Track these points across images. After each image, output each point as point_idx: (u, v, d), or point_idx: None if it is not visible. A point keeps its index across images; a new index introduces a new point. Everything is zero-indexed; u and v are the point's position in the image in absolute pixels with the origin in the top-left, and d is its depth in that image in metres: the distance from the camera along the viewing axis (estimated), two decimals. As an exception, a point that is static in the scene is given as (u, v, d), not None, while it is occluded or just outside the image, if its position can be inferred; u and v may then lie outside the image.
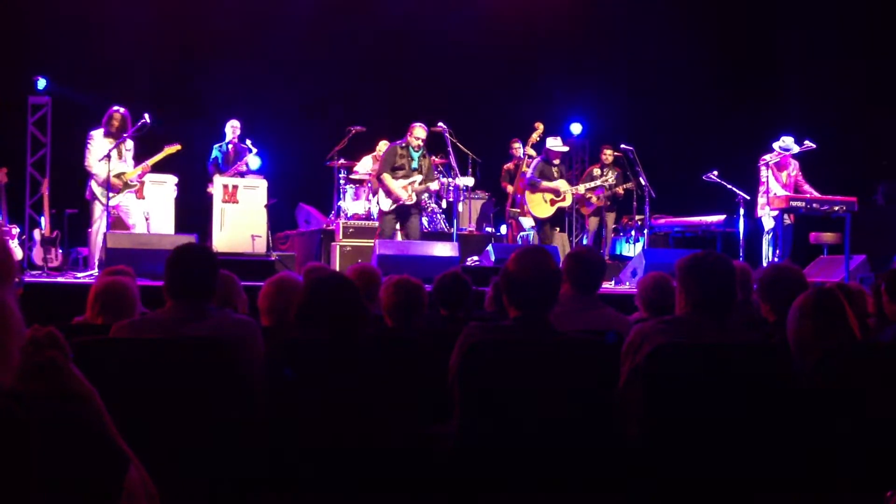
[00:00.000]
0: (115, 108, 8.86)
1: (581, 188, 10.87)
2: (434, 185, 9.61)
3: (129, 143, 8.90)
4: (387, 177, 9.49)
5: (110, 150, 8.50)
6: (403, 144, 9.57)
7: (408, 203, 9.42)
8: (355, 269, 4.90)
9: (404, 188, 9.40)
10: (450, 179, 9.56)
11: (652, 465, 2.99)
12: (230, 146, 10.42)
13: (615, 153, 11.44)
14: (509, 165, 11.58)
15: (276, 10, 12.71)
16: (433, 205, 11.32)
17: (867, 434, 2.98)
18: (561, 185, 10.37)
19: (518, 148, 11.55)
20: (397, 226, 9.52)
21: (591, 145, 13.90)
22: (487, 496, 3.00)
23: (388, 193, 9.45)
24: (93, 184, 8.71)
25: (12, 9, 11.49)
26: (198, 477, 2.82)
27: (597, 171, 11.69)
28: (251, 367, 3.09)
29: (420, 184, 9.45)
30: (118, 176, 8.68)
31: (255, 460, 2.91)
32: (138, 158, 8.98)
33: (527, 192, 10.44)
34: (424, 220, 10.74)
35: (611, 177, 11.39)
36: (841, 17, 12.40)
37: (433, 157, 9.95)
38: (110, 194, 8.59)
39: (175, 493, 1.99)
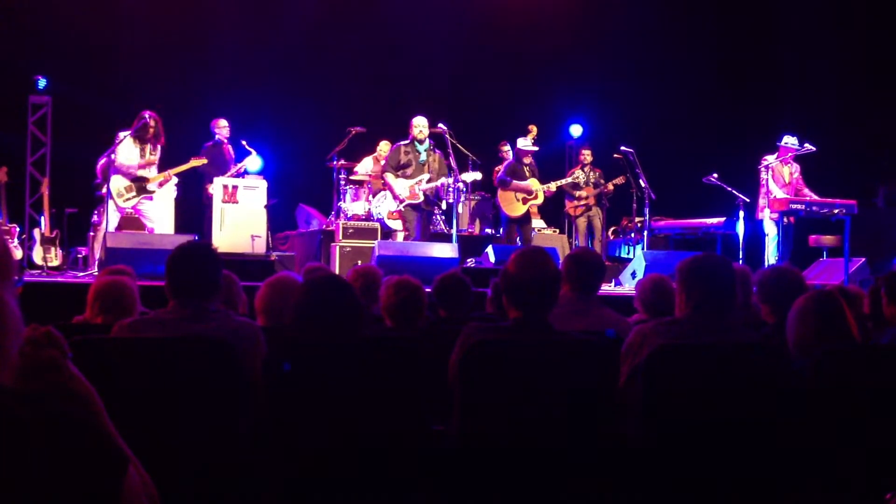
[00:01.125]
0: (148, 112, 8.83)
1: (553, 186, 10.78)
2: (445, 181, 9.60)
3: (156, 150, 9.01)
4: (388, 175, 9.62)
5: (117, 144, 8.57)
6: (407, 142, 9.63)
7: (415, 202, 9.48)
8: (358, 269, 4.91)
9: (411, 188, 9.46)
10: (450, 181, 9.55)
11: (652, 465, 2.99)
12: (222, 146, 10.38)
13: (615, 155, 11.45)
14: (499, 168, 11.60)
15: (276, 10, 12.72)
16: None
17: (866, 436, 2.98)
18: (532, 183, 10.43)
19: (507, 151, 11.56)
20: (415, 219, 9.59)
21: (592, 147, 13.89)
22: (487, 496, 3.00)
23: (392, 194, 9.56)
24: (113, 182, 8.70)
25: (13, 8, 11.49)
26: (198, 478, 2.82)
27: (578, 173, 11.76)
28: (252, 367, 3.09)
29: (428, 181, 9.50)
30: (139, 180, 8.75)
31: (255, 460, 2.91)
32: (161, 166, 9.03)
33: (498, 191, 10.51)
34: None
35: (582, 176, 11.47)
36: (841, 19, 12.41)
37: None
38: (131, 194, 8.70)
39: (175, 495, 1.99)
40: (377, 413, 2.97)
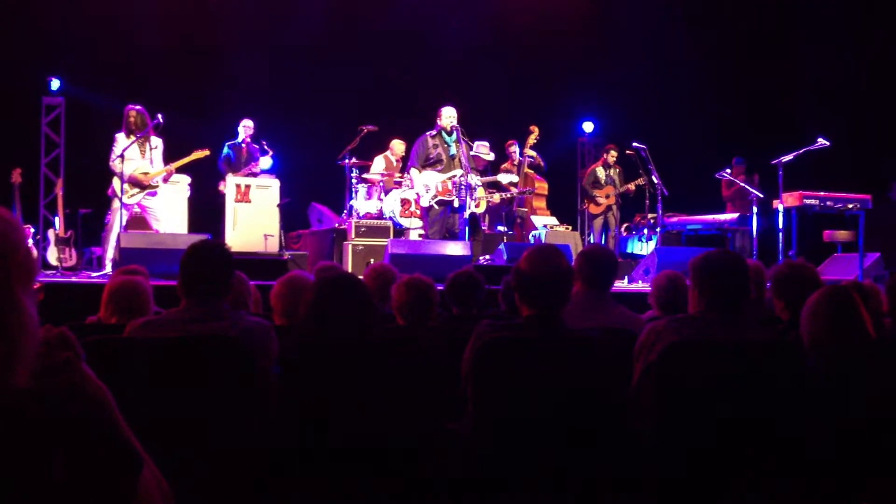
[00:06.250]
0: (130, 106, 8.85)
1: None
2: (475, 180, 9.32)
3: (156, 141, 8.84)
4: (414, 172, 9.41)
5: (124, 150, 8.50)
6: (434, 132, 9.38)
7: (447, 199, 9.31)
8: (374, 268, 4.91)
9: (444, 182, 9.30)
10: (462, 179, 9.49)
11: (665, 463, 2.98)
12: (243, 145, 10.48)
13: (628, 151, 11.44)
14: (506, 165, 11.60)
15: (289, 9, 12.74)
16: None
17: (882, 433, 2.96)
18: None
19: (515, 151, 11.55)
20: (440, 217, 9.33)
21: (604, 143, 13.89)
22: (500, 494, 2.99)
23: (412, 185, 9.40)
24: (115, 181, 8.69)
25: (26, 10, 11.55)
26: (211, 477, 2.83)
27: (600, 171, 11.78)
28: (265, 367, 3.10)
29: (461, 176, 9.12)
30: (144, 174, 8.70)
31: (268, 459, 2.92)
32: (167, 159, 8.95)
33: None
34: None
35: (602, 174, 11.51)
36: (856, 13, 12.34)
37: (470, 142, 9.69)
38: (134, 190, 8.65)
39: (189, 494, 2.00)
40: (389, 412, 2.97)
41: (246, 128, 10.51)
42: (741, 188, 11.00)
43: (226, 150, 10.47)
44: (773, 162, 9.82)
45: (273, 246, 9.66)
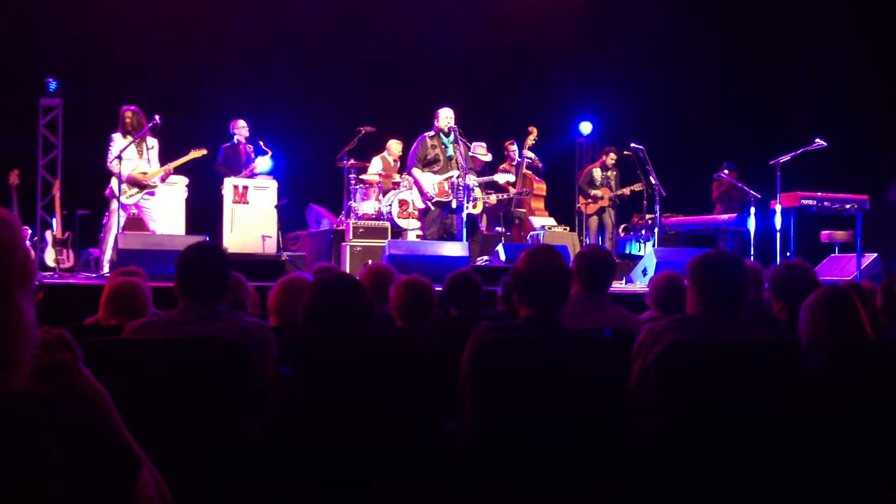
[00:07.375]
0: (126, 107, 8.87)
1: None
2: (472, 181, 9.32)
3: (152, 142, 8.85)
4: (416, 171, 9.39)
5: (121, 151, 8.49)
6: (432, 133, 9.40)
7: (444, 201, 9.32)
8: (371, 268, 4.91)
9: (440, 184, 9.31)
10: (459, 180, 9.49)
11: (664, 463, 2.98)
12: (239, 147, 10.45)
13: (626, 152, 11.44)
14: (505, 165, 11.61)
15: (286, 10, 12.74)
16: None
17: (880, 433, 2.97)
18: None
19: (514, 151, 11.56)
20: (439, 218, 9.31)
21: (602, 144, 13.90)
22: (498, 494, 2.99)
23: (420, 191, 9.39)
24: (113, 182, 8.68)
25: (24, 11, 11.54)
26: (210, 478, 2.83)
27: (597, 172, 11.77)
28: (263, 369, 3.09)
29: (458, 177, 9.17)
30: (143, 174, 8.70)
31: (267, 460, 2.91)
32: (163, 159, 8.96)
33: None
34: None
35: (599, 175, 11.61)
36: (853, 14, 12.35)
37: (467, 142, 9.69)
38: (133, 191, 8.65)
39: (188, 495, 2.00)
40: (387, 412, 2.97)
41: (240, 129, 10.48)
42: (727, 190, 11.29)
43: (222, 152, 10.44)
44: (772, 162, 9.83)
45: (271, 247, 9.65)
